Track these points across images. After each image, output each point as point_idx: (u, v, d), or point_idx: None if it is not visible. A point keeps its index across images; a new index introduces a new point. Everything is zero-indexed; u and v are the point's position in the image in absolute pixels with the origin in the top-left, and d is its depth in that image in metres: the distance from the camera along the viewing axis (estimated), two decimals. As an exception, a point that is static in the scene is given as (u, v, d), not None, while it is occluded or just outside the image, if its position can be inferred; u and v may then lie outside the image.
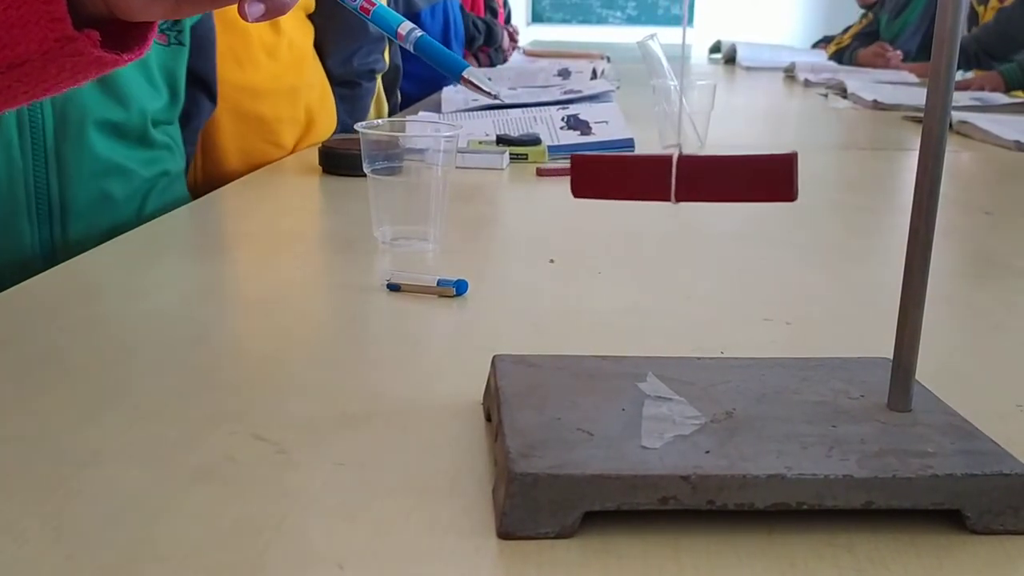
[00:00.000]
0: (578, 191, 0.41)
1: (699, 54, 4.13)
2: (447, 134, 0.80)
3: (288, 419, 0.48)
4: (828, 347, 0.60)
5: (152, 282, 0.72)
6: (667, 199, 0.40)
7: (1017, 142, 1.42)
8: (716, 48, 3.88)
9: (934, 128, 0.43)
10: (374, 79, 1.50)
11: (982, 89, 2.25)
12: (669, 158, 0.40)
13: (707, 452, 0.41)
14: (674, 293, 0.71)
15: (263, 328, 0.62)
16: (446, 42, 2.11)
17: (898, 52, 3.07)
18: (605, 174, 0.41)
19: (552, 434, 0.42)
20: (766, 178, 0.40)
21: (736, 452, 0.41)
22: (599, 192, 0.41)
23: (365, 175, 0.79)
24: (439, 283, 0.67)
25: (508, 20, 3.30)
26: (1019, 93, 2.31)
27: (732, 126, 1.71)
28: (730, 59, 3.43)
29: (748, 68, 3.21)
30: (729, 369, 0.50)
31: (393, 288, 0.68)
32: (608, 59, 2.57)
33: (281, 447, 0.45)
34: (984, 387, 0.54)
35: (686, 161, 0.40)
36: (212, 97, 1.16)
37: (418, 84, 1.98)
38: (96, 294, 0.68)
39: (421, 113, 1.51)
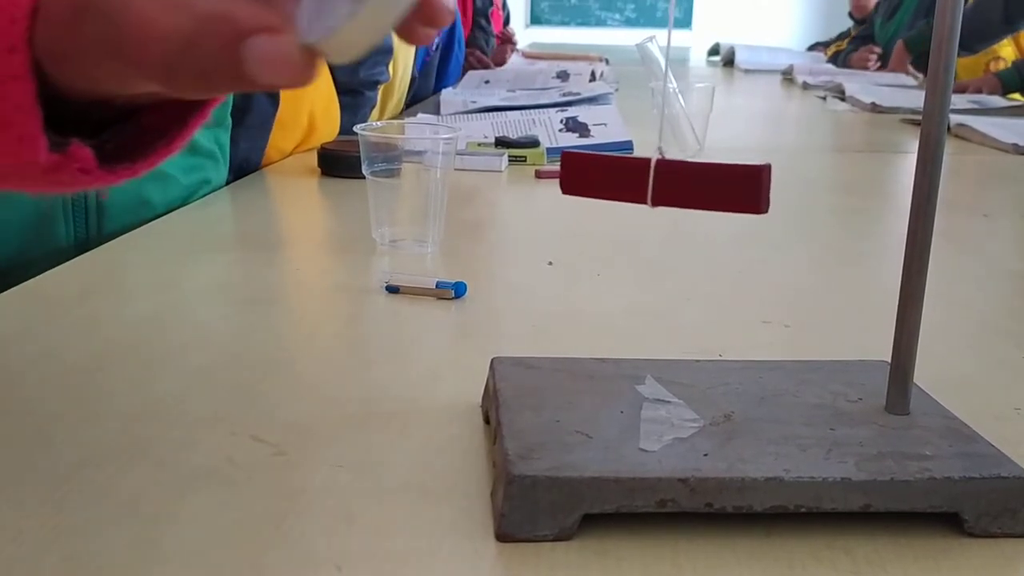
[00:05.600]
0: (567, 188, 0.42)
1: (698, 56, 4.13)
2: (446, 136, 0.80)
3: (287, 421, 0.48)
4: (827, 350, 0.60)
5: (150, 283, 0.72)
6: (644, 202, 0.40)
7: (1015, 145, 1.42)
8: (715, 50, 3.88)
9: (932, 131, 0.43)
10: (376, 89, 1.51)
11: (980, 92, 2.25)
12: (648, 161, 0.40)
13: (705, 455, 0.41)
14: (673, 295, 0.71)
15: (262, 329, 0.62)
16: (451, 39, 2.11)
17: (874, 56, 3.08)
18: (593, 173, 0.42)
19: (551, 436, 0.42)
20: (738, 188, 0.40)
21: (734, 455, 0.41)
22: (587, 191, 0.41)
23: (364, 177, 0.79)
24: (438, 285, 0.67)
25: (507, 22, 3.30)
26: (1016, 96, 2.32)
27: (731, 128, 1.71)
28: (728, 61, 3.43)
29: (747, 71, 3.21)
30: (728, 372, 0.50)
31: (392, 290, 0.68)
32: (607, 61, 2.57)
33: (280, 449, 0.45)
34: (982, 390, 0.55)
35: (664, 165, 0.40)
36: (271, 94, 1.12)
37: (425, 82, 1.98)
38: (94, 295, 0.68)
39: (420, 115, 1.51)
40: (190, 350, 0.57)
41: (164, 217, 0.90)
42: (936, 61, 0.42)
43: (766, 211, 0.39)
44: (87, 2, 0.30)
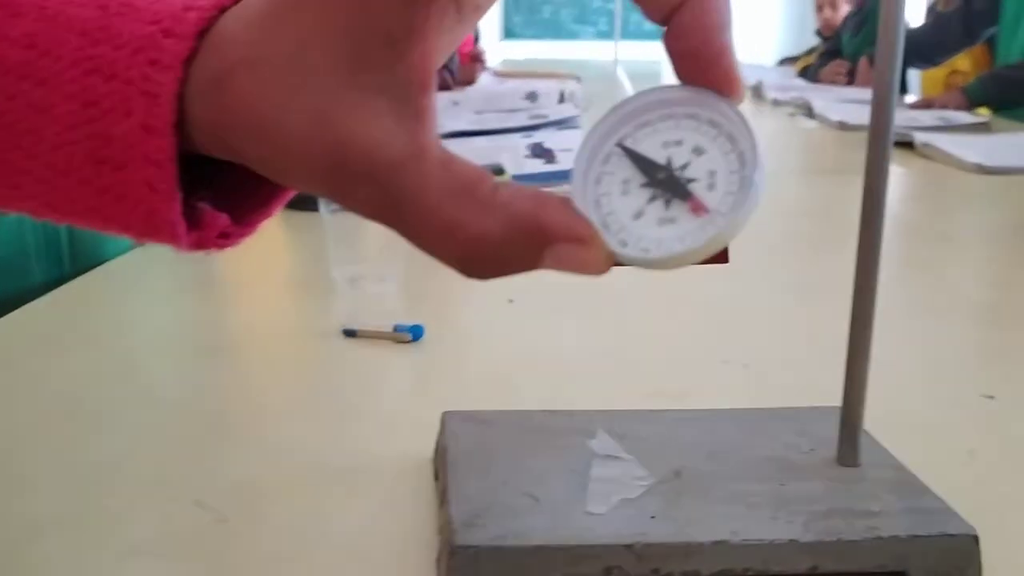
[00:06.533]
0: None
1: (670, 71, 4.14)
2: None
3: (232, 483, 0.47)
4: (785, 390, 0.60)
5: (99, 331, 0.70)
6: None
7: (978, 165, 1.43)
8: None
9: (874, 186, 0.43)
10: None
11: (945, 108, 2.27)
12: None
13: (652, 517, 0.40)
14: (633, 333, 0.71)
15: (209, 381, 0.61)
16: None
17: (844, 70, 3.11)
18: None
19: (497, 500, 0.41)
20: None
21: (682, 516, 0.41)
22: None
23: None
24: (395, 329, 0.66)
25: (477, 39, 3.31)
26: (983, 111, 2.34)
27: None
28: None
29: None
30: (681, 422, 0.50)
31: (349, 334, 0.67)
32: (578, 79, 2.58)
33: (222, 514, 0.44)
34: (937, 433, 0.55)
35: None
36: None
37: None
38: (41, 345, 0.67)
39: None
40: (134, 406, 0.56)
41: (116, 260, 0.88)
42: (876, 120, 0.42)
43: (729, 261, 0.38)
44: (356, 169, 0.27)
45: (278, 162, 0.28)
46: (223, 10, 0.28)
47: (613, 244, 0.27)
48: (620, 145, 0.28)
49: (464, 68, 2.48)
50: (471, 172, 0.27)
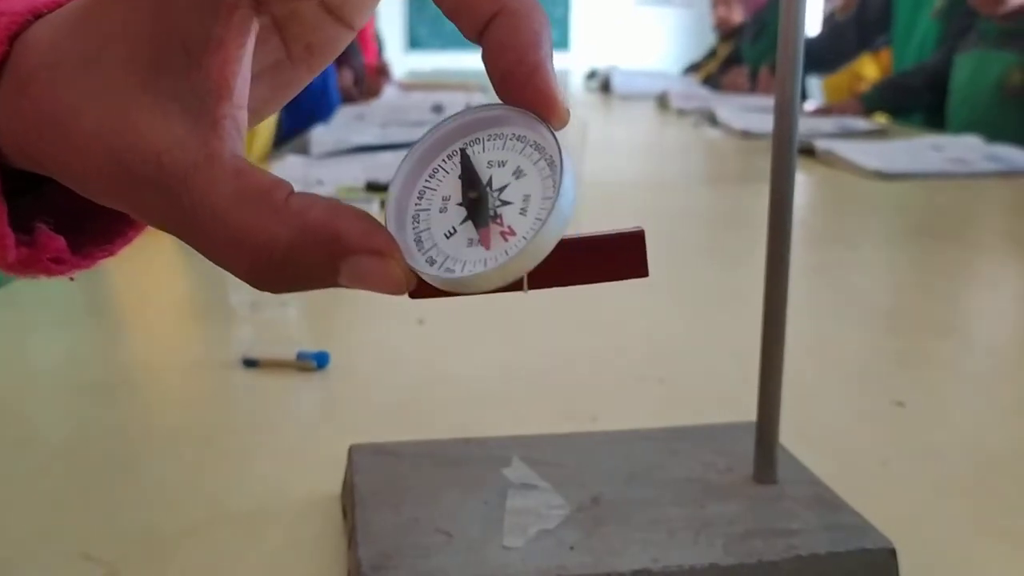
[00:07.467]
0: (418, 291, 0.38)
1: (576, 82, 4.17)
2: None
3: (124, 532, 0.44)
4: (701, 404, 0.60)
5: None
6: (519, 288, 0.38)
7: (877, 171, 1.47)
8: (593, 75, 3.93)
9: (781, 200, 0.42)
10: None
11: (844, 115, 2.33)
12: None
13: (571, 548, 0.39)
14: (546, 353, 0.70)
15: (97, 421, 0.57)
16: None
17: (744, 77, 3.18)
18: None
19: (409, 539, 0.39)
20: (617, 257, 0.38)
21: (602, 545, 0.39)
22: (441, 291, 0.38)
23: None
24: (299, 356, 0.64)
25: (381, 52, 3.28)
26: (880, 117, 2.41)
27: (606, 162, 1.72)
28: (605, 86, 3.47)
29: (623, 96, 3.25)
30: (597, 445, 0.48)
31: (250, 364, 0.64)
32: (485, 89, 2.57)
33: (113, 568, 0.41)
34: (850, 444, 0.55)
35: None
36: None
37: (294, 117, 1.92)
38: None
39: (288, 158, 1.46)
40: (18, 450, 0.52)
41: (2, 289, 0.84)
42: (780, 127, 0.41)
43: (648, 274, 0.38)
44: (143, 174, 0.26)
45: (70, 167, 0.27)
46: (39, 16, 0.28)
47: (420, 262, 0.26)
48: (462, 151, 0.27)
49: (369, 81, 2.44)
50: (265, 180, 0.26)
